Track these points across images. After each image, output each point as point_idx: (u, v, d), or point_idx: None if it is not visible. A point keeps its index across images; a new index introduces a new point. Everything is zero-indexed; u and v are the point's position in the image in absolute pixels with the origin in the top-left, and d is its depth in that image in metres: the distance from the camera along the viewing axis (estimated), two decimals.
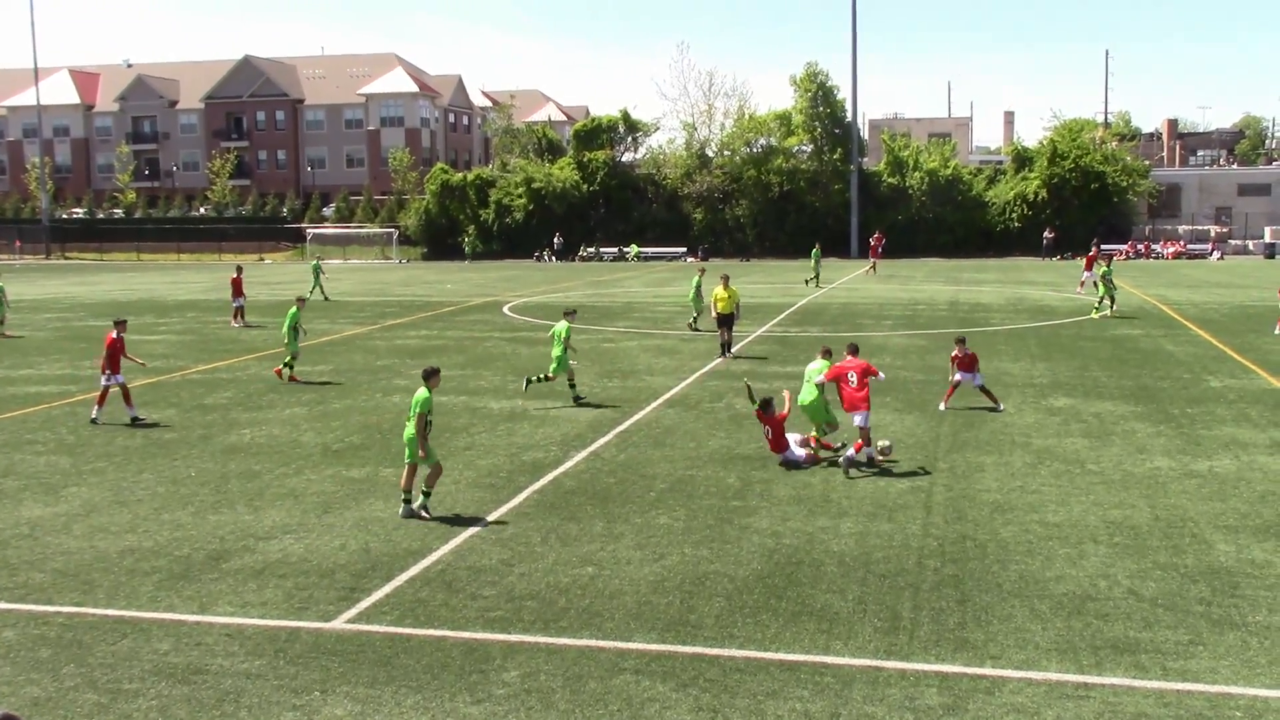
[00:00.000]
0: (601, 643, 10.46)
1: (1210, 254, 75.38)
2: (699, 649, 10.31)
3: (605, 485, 16.08)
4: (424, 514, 14.47)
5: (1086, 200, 78.30)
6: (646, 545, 13.29)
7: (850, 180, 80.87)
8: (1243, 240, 79.41)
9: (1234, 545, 13.07)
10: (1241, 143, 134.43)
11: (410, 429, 14.47)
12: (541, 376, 22.80)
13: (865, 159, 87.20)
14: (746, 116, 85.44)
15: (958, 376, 21.42)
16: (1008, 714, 9.01)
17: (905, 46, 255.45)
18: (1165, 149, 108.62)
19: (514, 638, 10.59)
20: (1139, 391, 23.12)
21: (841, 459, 16.77)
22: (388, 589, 11.92)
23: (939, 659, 10.05)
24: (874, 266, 61.62)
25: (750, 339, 32.20)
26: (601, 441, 18.96)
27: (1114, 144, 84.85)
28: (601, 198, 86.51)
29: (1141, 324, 35.12)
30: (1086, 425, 19.87)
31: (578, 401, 22.42)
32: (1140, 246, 76.47)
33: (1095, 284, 38.93)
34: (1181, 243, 78.08)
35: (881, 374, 17.53)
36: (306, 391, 24.38)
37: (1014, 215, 79.73)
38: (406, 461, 14.69)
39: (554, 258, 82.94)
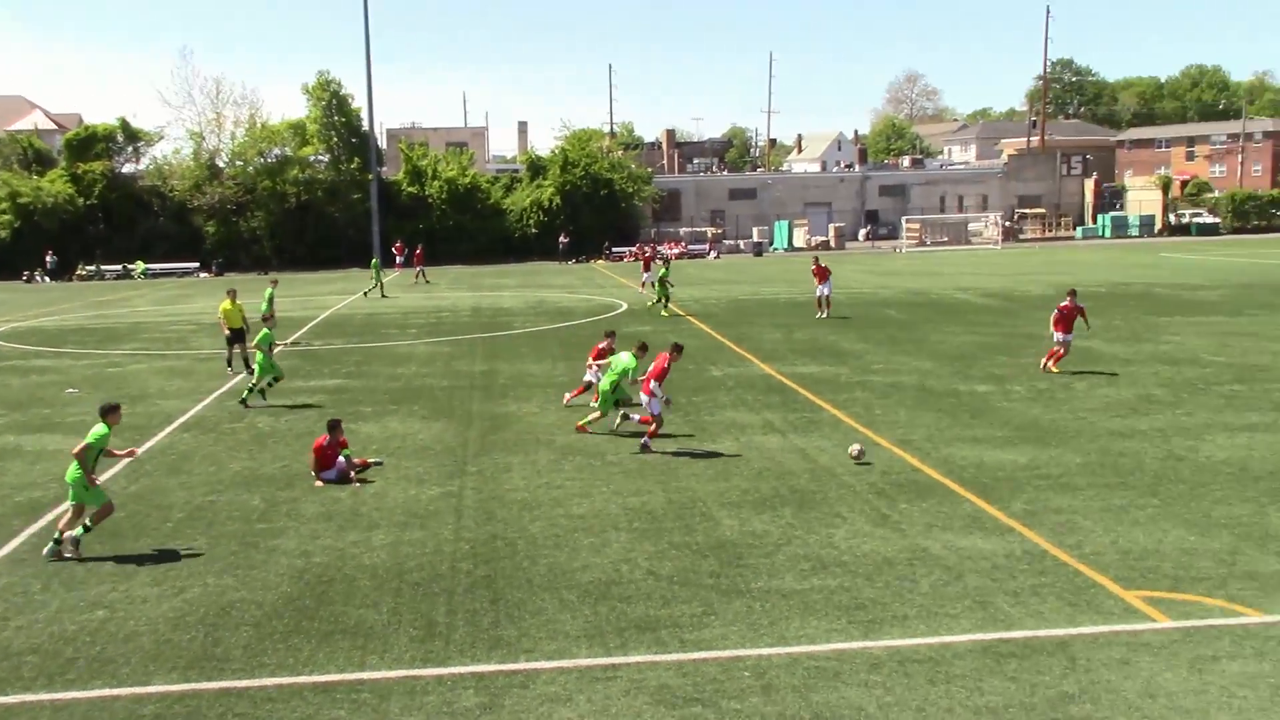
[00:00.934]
0: (116, 691, 9.68)
1: (708, 254, 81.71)
2: (226, 683, 9.79)
3: (115, 520, 14.85)
4: (70, 552, 13.28)
5: (598, 205, 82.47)
6: (164, 580, 12.46)
7: (370, 190, 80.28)
8: (735, 240, 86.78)
9: (737, 520, 14.21)
10: (730, 151, 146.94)
11: (75, 468, 13.27)
12: (257, 388, 23.59)
13: (384, 168, 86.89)
14: (258, 125, 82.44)
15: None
16: (542, 704, 9.26)
17: (420, 57, 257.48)
18: (665, 157, 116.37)
19: (12, 699, 9.56)
20: None
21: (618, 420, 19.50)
22: None
23: (475, 660, 10.16)
24: (421, 273, 61.21)
25: (273, 354, 31.07)
26: (110, 473, 17.54)
27: (620, 153, 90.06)
28: (100, 212, 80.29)
29: (653, 321, 37.41)
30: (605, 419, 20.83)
31: (244, 404, 23.10)
32: (647, 248, 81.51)
33: (653, 285, 41.21)
34: (683, 244, 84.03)
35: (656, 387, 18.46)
36: None
37: (531, 221, 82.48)
38: (71, 503, 13.39)
39: (48, 278, 76.02)
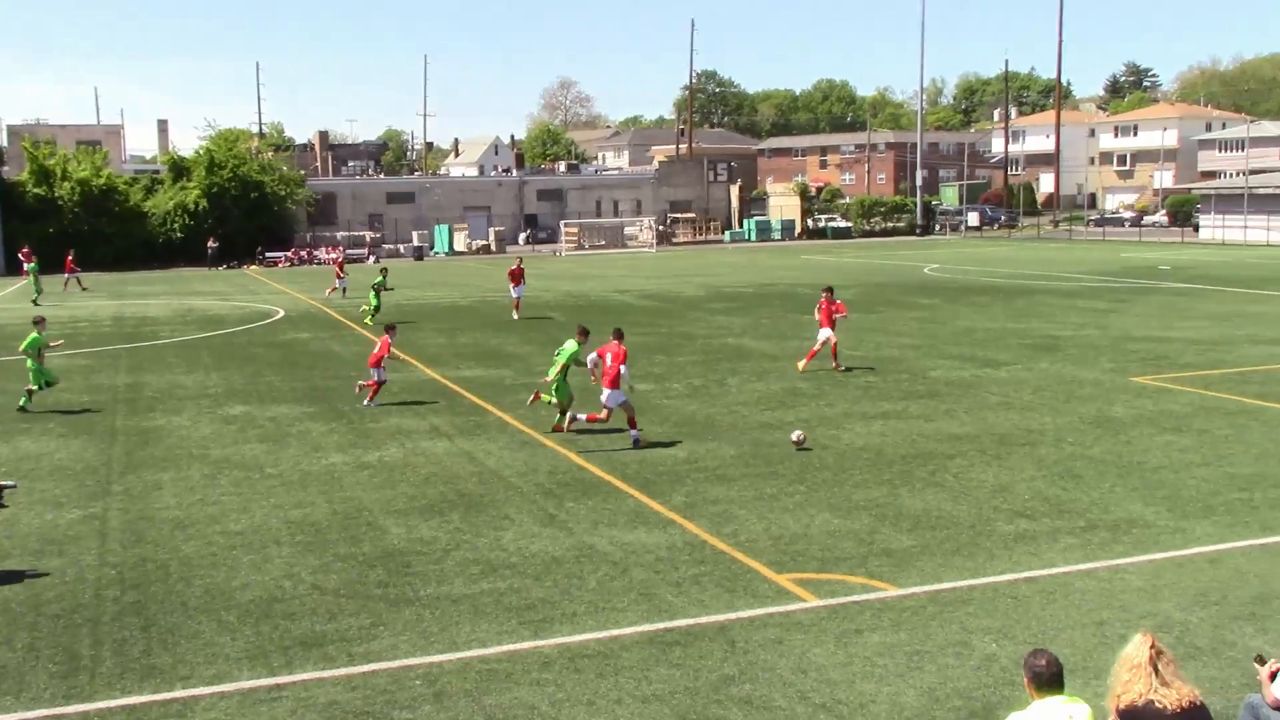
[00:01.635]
0: None
1: (367, 258, 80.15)
2: None
3: None
4: None
5: (247, 209, 79.14)
6: None
7: None
8: (395, 244, 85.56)
9: (405, 527, 14.01)
10: (386, 154, 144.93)
11: None
12: (30, 391, 22.40)
13: (7, 168, 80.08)
14: None
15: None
16: None
17: (44, 48, 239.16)
18: (319, 159, 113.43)
19: None
20: (311, 392, 23.87)
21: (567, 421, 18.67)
22: None
23: (125, 692, 9.53)
24: (75, 280, 56.53)
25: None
26: None
27: (270, 154, 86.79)
28: None
29: (309, 327, 36.33)
30: (263, 430, 20.08)
31: (23, 409, 22.07)
32: (302, 253, 79.07)
33: (369, 291, 39.30)
34: (340, 248, 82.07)
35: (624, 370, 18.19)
36: None
37: (176, 225, 78.16)
38: None
39: None
